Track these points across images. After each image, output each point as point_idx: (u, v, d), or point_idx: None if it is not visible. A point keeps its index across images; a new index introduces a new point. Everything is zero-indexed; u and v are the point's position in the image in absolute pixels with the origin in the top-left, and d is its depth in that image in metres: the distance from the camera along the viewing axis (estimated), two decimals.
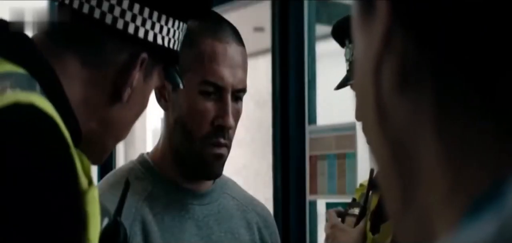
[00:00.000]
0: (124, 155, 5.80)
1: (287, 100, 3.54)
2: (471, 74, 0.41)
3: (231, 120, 1.62)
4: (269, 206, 3.59)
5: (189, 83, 1.63)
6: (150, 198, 1.67)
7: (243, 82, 1.65)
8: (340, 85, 1.92)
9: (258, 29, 6.14)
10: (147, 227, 1.63)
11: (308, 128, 3.47)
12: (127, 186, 1.46)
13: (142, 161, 1.73)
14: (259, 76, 7.11)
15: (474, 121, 0.41)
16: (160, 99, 1.70)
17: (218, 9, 4.17)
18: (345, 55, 1.92)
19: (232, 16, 4.73)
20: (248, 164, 7.34)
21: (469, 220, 0.40)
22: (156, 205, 1.66)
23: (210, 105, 1.63)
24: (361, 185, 2.03)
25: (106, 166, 5.06)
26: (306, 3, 3.54)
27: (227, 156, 1.68)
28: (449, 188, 0.42)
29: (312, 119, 3.52)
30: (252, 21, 5.86)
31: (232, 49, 1.64)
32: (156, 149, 1.74)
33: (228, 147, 1.67)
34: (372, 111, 0.46)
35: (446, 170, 0.42)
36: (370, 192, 1.92)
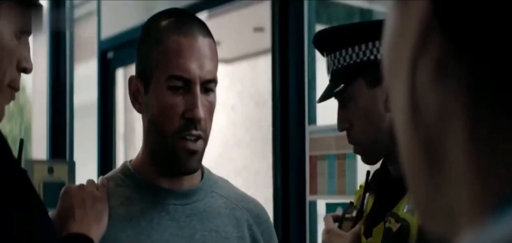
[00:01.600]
0: (124, 154, 5.80)
1: (287, 101, 3.54)
2: (506, 80, 0.41)
3: (200, 111, 1.62)
4: (269, 206, 3.59)
5: (157, 81, 1.64)
6: (127, 203, 1.67)
7: (211, 73, 1.65)
8: (323, 98, 1.94)
9: (258, 29, 6.14)
10: (121, 233, 1.63)
11: (308, 128, 3.47)
12: (21, 142, 1.69)
13: (123, 168, 1.75)
14: (259, 76, 7.11)
15: (505, 123, 0.41)
16: (135, 103, 1.71)
17: (218, 10, 4.18)
18: (326, 67, 1.95)
19: (232, 16, 4.74)
20: (248, 164, 7.34)
21: (495, 219, 0.40)
22: (133, 210, 1.67)
23: (179, 100, 1.63)
24: (360, 186, 2.04)
25: (106, 165, 5.06)
26: (306, 3, 3.54)
27: (202, 150, 1.67)
28: (476, 188, 0.43)
29: (312, 120, 3.52)
30: (252, 22, 5.86)
31: (198, 42, 1.64)
32: (137, 156, 1.76)
33: (203, 139, 1.66)
34: (405, 106, 0.46)
35: (475, 169, 0.43)
36: (367, 194, 1.92)
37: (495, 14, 0.40)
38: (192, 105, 1.62)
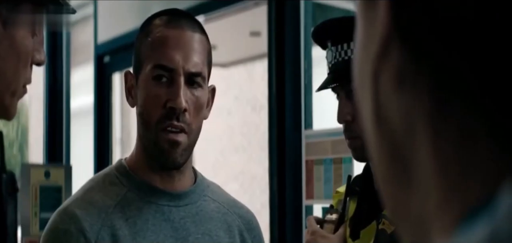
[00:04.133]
0: (121, 156, 5.81)
1: (284, 105, 3.54)
2: (465, 85, 0.41)
3: (182, 102, 1.61)
4: (266, 210, 3.59)
5: (144, 72, 1.65)
6: (122, 203, 1.67)
7: (197, 66, 1.64)
8: (321, 88, 1.93)
9: (255, 33, 6.15)
10: (117, 232, 1.63)
11: (304, 132, 3.47)
12: (0, 135, 1.63)
13: (119, 165, 1.74)
14: (255, 81, 7.11)
15: (467, 129, 0.42)
16: (128, 97, 1.72)
17: (214, 14, 4.18)
18: (327, 58, 1.93)
19: (229, 21, 4.74)
20: (244, 169, 7.34)
21: (463, 228, 0.40)
22: (128, 209, 1.66)
23: (162, 89, 1.63)
24: (337, 191, 2.05)
25: (103, 167, 5.06)
26: (302, 8, 3.55)
27: (187, 145, 1.65)
28: (443, 196, 0.43)
29: (309, 124, 3.52)
30: (249, 26, 5.86)
31: (185, 35, 1.65)
32: (131, 154, 1.75)
33: (187, 133, 1.64)
34: (370, 112, 0.46)
35: (441, 177, 0.42)
36: (348, 198, 1.93)
37: (453, 20, 0.41)
38: (175, 95, 1.61)
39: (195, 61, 1.64)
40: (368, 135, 0.48)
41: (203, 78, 1.66)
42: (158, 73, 1.63)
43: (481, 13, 0.40)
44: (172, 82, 1.63)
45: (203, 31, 1.70)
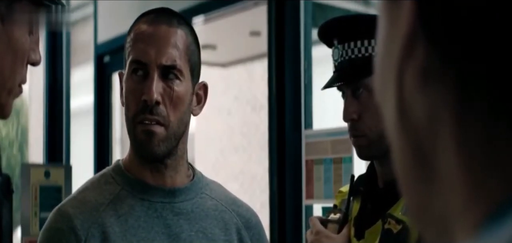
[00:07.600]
0: (121, 156, 5.81)
1: (284, 105, 3.54)
2: (492, 85, 0.41)
3: (154, 94, 1.63)
4: (266, 210, 3.59)
5: (126, 69, 1.70)
6: (115, 201, 1.69)
7: (171, 59, 1.66)
8: (327, 86, 1.92)
9: (254, 33, 6.15)
10: (108, 229, 1.64)
11: (304, 132, 3.47)
12: None
13: (115, 165, 1.76)
14: (255, 81, 7.11)
15: (494, 129, 0.41)
16: (121, 96, 1.75)
17: (214, 14, 4.18)
18: (333, 56, 1.92)
19: (228, 20, 4.74)
20: (244, 168, 7.34)
21: (488, 227, 0.40)
22: (121, 207, 1.68)
23: (138, 84, 1.66)
24: (340, 191, 2.04)
25: (102, 167, 5.05)
26: (302, 7, 3.55)
27: (165, 136, 1.66)
28: (468, 194, 0.42)
29: (309, 124, 3.52)
30: (248, 26, 5.87)
31: (160, 30, 1.67)
32: (127, 153, 1.77)
33: (163, 125, 1.66)
34: (394, 111, 0.46)
35: (466, 175, 0.42)
36: (351, 198, 1.92)
37: (478, 19, 0.41)
38: (147, 89, 1.64)
39: (169, 54, 1.66)
40: (391, 134, 0.48)
41: (180, 71, 1.67)
42: (135, 68, 1.67)
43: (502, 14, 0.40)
44: (146, 76, 1.66)
45: (184, 27, 1.71)
